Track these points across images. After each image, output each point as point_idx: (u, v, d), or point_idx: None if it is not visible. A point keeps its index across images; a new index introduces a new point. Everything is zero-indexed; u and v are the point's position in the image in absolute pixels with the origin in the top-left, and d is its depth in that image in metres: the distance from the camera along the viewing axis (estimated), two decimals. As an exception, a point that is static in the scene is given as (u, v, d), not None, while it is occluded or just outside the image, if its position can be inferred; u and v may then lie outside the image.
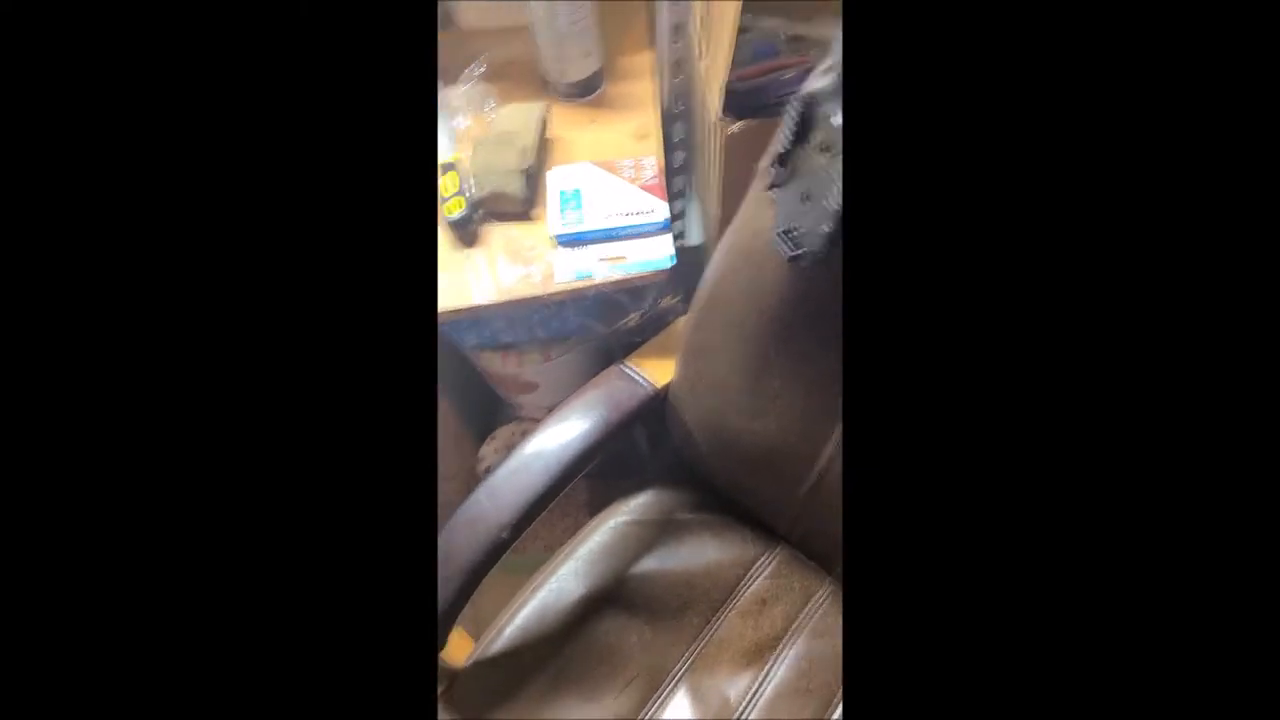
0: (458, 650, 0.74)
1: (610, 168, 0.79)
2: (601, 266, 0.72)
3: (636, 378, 0.72)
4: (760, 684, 0.73)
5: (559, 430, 0.67)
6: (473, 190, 0.77)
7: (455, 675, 0.73)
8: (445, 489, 1.21)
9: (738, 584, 0.79)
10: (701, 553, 0.80)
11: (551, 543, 0.85)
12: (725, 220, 0.77)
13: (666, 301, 0.74)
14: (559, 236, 0.74)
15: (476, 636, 0.77)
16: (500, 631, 0.75)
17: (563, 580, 0.79)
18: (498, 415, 1.25)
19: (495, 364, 1.02)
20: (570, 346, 1.10)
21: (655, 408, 0.73)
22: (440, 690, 0.73)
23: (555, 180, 0.78)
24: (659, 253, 0.72)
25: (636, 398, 0.71)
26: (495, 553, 0.63)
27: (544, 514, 1.18)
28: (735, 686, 0.73)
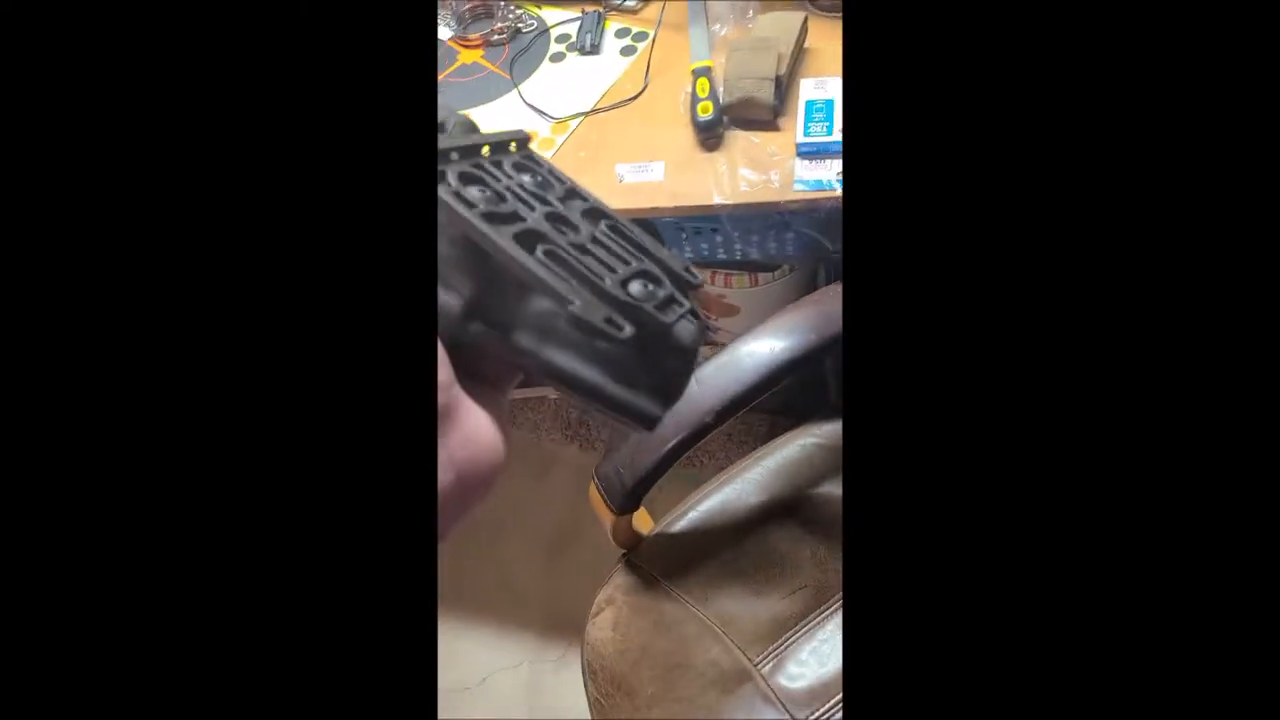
0: (642, 522, 0.81)
1: (865, 84, 0.76)
2: (840, 179, 0.71)
3: (859, 297, 0.71)
4: (931, 627, 0.72)
5: (773, 335, 0.69)
6: (723, 95, 0.78)
7: (640, 540, 0.80)
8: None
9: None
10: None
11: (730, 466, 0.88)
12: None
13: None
14: (802, 146, 0.74)
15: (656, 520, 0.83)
16: (683, 514, 0.81)
17: (746, 484, 0.82)
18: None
19: (705, 282, 1.05)
20: (779, 275, 1.10)
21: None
22: (623, 553, 0.81)
23: (807, 91, 0.78)
24: (905, 173, 0.69)
25: (855, 317, 0.70)
26: (697, 435, 0.67)
27: (727, 440, 1.22)
28: (903, 623, 0.73)
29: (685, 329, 0.25)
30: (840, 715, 0.68)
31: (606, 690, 0.74)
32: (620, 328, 0.23)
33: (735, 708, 0.70)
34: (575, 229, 0.26)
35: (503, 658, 1.18)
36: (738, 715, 0.69)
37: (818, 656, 0.72)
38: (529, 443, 1.39)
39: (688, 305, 0.26)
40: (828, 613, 0.74)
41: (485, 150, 0.26)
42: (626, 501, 0.70)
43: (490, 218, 0.23)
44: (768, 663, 0.72)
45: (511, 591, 1.23)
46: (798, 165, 0.73)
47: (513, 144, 0.28)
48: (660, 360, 0.25)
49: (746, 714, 0.69)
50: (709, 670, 0.72)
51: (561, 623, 1.17)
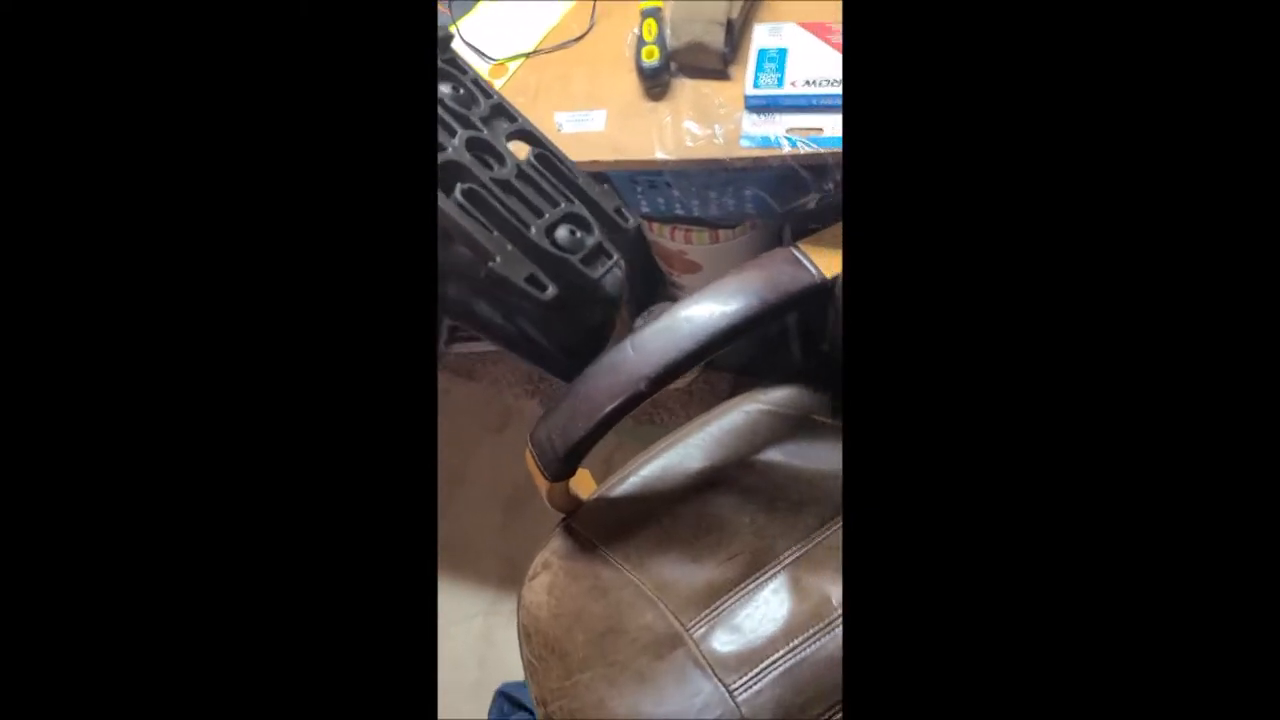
0: (582, 485, 0.80)
1: (820, 32, 0.71)
2: (790, 136, 0.67)
3: (805, 262, 0.68)
4: (864, 594, 0.72)
5: (714, 299, 0.67)
6: (670, 39, 0.73)
7: (580, 504, 0.79)
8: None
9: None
10: (831, 459, 0.78)
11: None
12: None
13: (854, 186, 0.68)
14: (751, 99, 0.70)
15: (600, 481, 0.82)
16: (624, 479, 0.80)
17: (689, 448, 0.81)
18: (659, 291, 1.26)
19: (665, 237, 1.02)
20: (741, 232, 1.06)
21: (817, 299, 0.70)
22: (563, 517, 0.80)
23: (760, 38, 0.73)
24: (857, 130, 0.65)
25: (799, 283, 0.68)
26: (631, 402, 0.65)
27: (689, 398, 1.20)
28: (839, 590, 0.73)
29: (612, 281, 0.23)
30: (769, 680, 0.69)
31: (540, 653, 0.74)
32: (543, 287, 0.21)
33: (666, 672, 0.70)
34: (500, 159, 0.23)
35: (457, 610, 1.19)
36: (668, 679, 0.70)
37: (751, 622, 0.72)
38: (489, 396, 1.37)
39: (615, 256, 0.23)
40: (763, 579, 0.74)
41: None
42: (560, 468, 0.69)
43: None
44: (700, 628, 0.72)
45: (467, 545, 1.23)
46: (745, 120, 0.69)
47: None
48: (585, 314, 0.22)
49: (677, 678, 0.70)
50: (642, 635, 0.72)
51: (517, 576, 1.18)
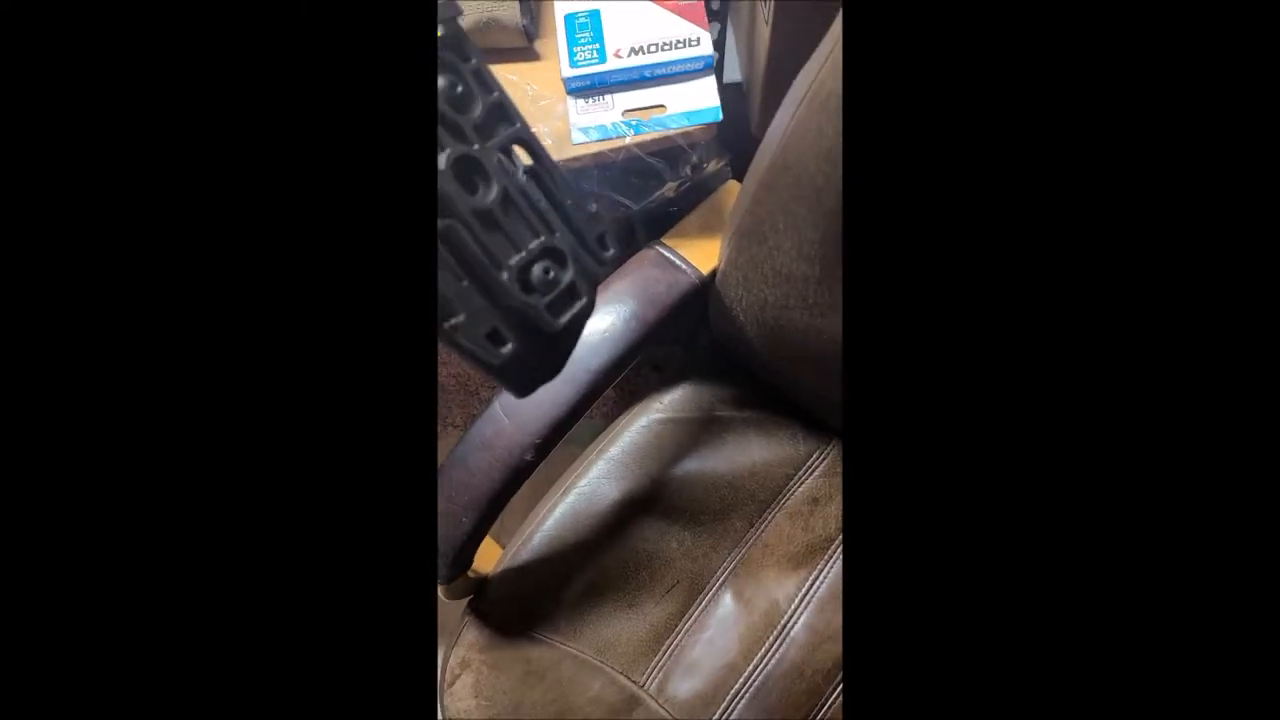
0: (484, 559, 0.69)
1: (633, -19, 0.60)
2: (629, 121, 0.56)
3: (677, 262, 0.59)
4: (811, 587, 0.68)
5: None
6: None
7: (484, 583, 0.69)
8: (446, 401, 1.10)
9: (787, 484, 0.72)
10: (746, 452, 0.72)
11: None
12: (781, 49, 0.59)
13: (712, 165, 0.59)
14: (571, 81, 0.57)
15: (504, 542, 0.72)
16: (529, 539, 0.70)
17: (594, 483, 0.72)
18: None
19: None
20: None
21: (699, 299, 0.61)
22: (468, 601, 0.69)
23: (563, 3, 0.60)
24: (702, 100, 0.56)
25: (678, 289, 0.59)
26: (518, 478, 0.55)
27: (620, 396, 1.10)
28: (784, 589, 0.69)
29: (576, 324, 0.24)
30: (739, 710, 0.64)
31: (486, 763, 0.64)
32: (503, 342, 0.22)
33: (630, 739, 0.63)
34: (487, 181, 0.22)
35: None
36: (634, 747, 0.63)
37: (707, 653, 0.66)
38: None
39: (585, 297, 0.24)
40: (705, 602, 0.68)
41: None
42: (450, 572, 0.58)
43: None
44: (655, 678, 0.66)
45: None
46: (572, 109, 0.57)
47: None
48: (543, 353, 0.23)
49: (643, 742, 0.63)
50: (594, 709, 0.65)
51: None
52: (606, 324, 0.56)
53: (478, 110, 0.23)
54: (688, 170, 0.56)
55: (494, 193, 0.22)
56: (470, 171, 0.22)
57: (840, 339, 0.57)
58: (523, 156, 0.24)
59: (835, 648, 0.66)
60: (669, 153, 0.57)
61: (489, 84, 0.23)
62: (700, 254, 0.60)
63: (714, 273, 0.60)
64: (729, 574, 0.69)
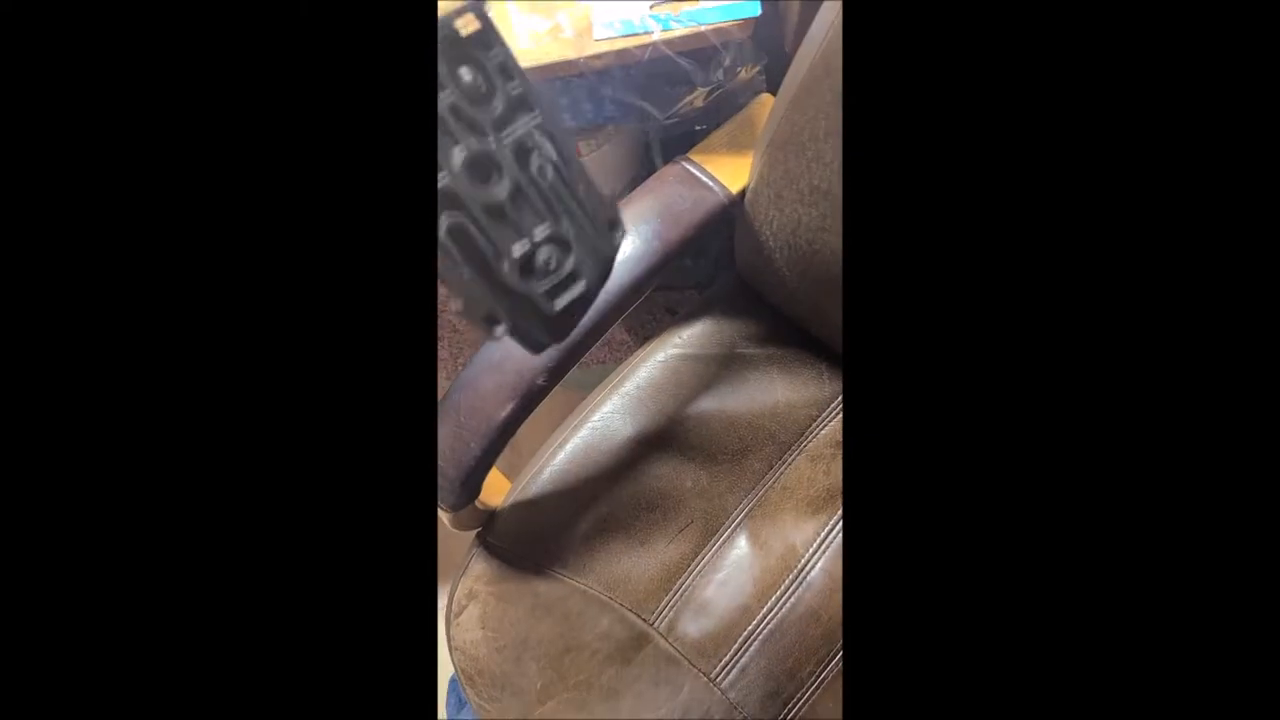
0: (493, 492, 0.67)
1: None
2: (657, 15, 0.51)
3: (704, 179, 0.55)
4: (831, 532, 0.65)
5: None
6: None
7: (493, 516, 0.67)
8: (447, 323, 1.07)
9: (809, 426, 0.68)
10: (768, 391, 0.69)
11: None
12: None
13: (745, 73, 0.54)
14: (596, -28, 0.52)
15: (512, 476, 0.70)
16: (539, 472, 0.68)
17: (608, 419, 0.69)
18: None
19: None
20: (609, 135, 0.90)
21: (727, 220, 0.57)
22: (475, 534, 0.67)
23: (588, -117, 0.54)
24: (738, -5, 0.50)
25: (704, 207, 0.54)
26: (528, 403, 0.52)
27: (633, 329, 1.05)
28: (802, 534, 0.66)
29: (576, 304, 0.25)
30: (751, 653, 0.62)
31: (490, 694, 0.63)
32: (498, 323, 0.24)
33: (639, 677, 0.62)
34: (500, 174, 0.23)
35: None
36: (643, 685, 0.62)
37: (719, 594, 0.64)
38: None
39: (583, 284, 0.25)
40: (720, 544, 0.66)
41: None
42: (460, 498, 0.55)
43: None
44: (665, 617, 0.64)
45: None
46: (594, 3, 0.52)
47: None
48: (542, 328, 0.25)
49: (653, 680, 0.62)
50: (603, 645, 0.63)
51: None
52: (626, 244, 0.53)
53: (498, 103, 0.23)
54: (719, 75, 0.51)
55: (505, 186, 0.23)
56: (483, 166, 0.23)
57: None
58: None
59: (853, 594, 0.64)
60: (700, 53, 0.52)
61: (512, 74, 0.23)
62: (729, 171, 0.55)
63: (743, 192, 0.56)
64: (745, 516, 0.67)
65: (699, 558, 0.66)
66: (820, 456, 0.68)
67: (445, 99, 0.22)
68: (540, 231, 0.24)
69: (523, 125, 0.24)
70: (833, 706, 0.61)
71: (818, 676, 0.62)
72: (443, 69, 0.22)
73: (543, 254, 0.25)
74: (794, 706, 0.61)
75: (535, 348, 0.25)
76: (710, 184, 0.55)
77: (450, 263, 0.23)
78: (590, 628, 0.63)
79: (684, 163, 0.55)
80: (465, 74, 0.22)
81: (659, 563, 0.65)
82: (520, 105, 0.24)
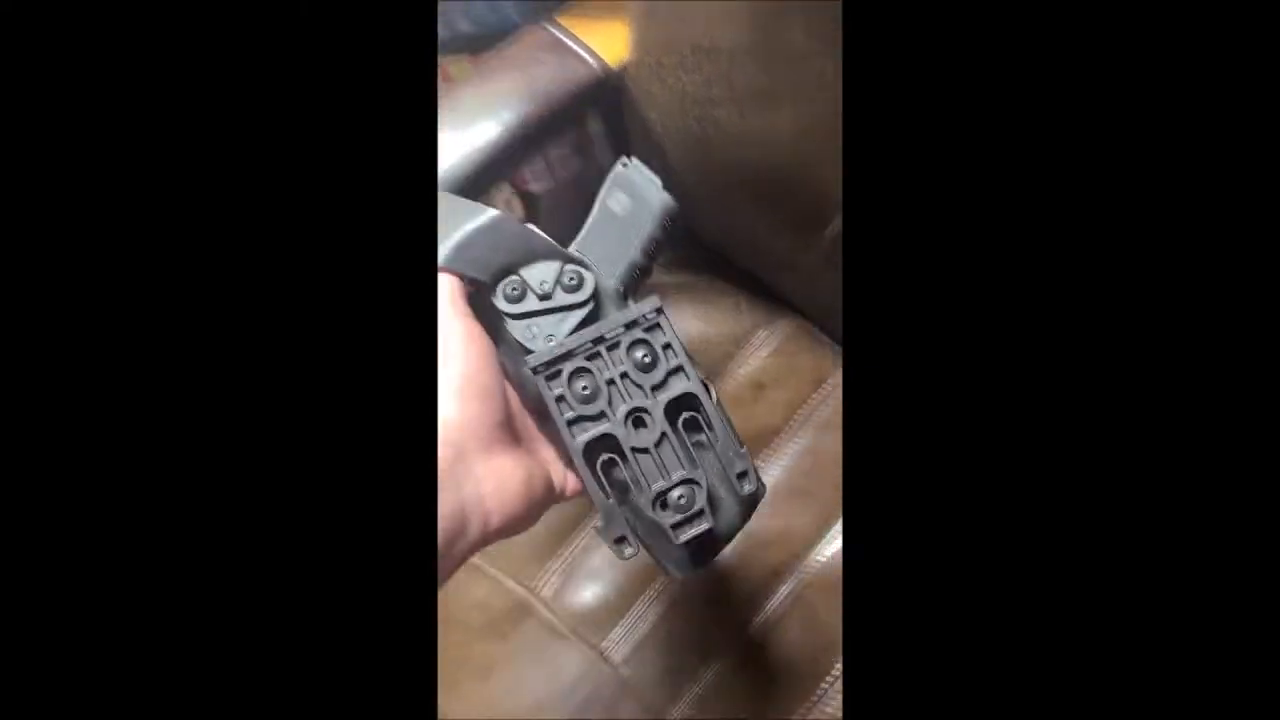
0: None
1: None
2: None
3: (572, 47, 0.45)
4: (746, 486, 0.57)
5: (448, 138, 0.43)
6: None
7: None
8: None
9: (726, 365, 0.59)
10: (677, 325, 0.60)
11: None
12: None
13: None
14: None
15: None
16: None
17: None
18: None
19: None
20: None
21: (606, 98, 0.47)
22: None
23: None
24: None
25: (574, 83, 0.45)
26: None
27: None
28: (714, 488, 0.57)
29: (698, 539, 0.31)
30: (648, 627, 0.53)
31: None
32: (628, 544, 0.31)
33: (517, 651, 0.53)
34: (651, 424, 0.32)
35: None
36: (522, 659, 0.52)
37: (612, 560, 0.55)
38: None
39: (706, 524, 0.31)
40: (620, 500, 0.57)
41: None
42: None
43: (574, 422, 0.32)
44: (549, 583, 0.55)
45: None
46: None
47: (644, 317, 0.33)
48: (665, 551, 0.32)
49: (533, 655, 0.53)
50: (476, 616, 0.54)
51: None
52: (480, 124, 0.43)
53: (659, 373, 0.32)
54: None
55: (654, 435, 0.32)
56: (637, 422, 0.32)
57: (788, 150, 0.43)
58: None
59: (779, 554, 0.55)
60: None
61: (676, 353, 0.33)
62: (603, 38, 0.45)
63: (625, 65, 0.46)
64: (651, 467, 0.58)
65: (592, 515, 0.56)
66: (739, 399, 0.59)
67: (618, 368, 0.32)
68: (678, 474, 0.31)
69: (676, 389, 0.32)
70: (742, 684, 0.52)
71: (727, 650, 0.53)
72: (622, 349, 0.32)
73: (678, 491, 0.31)
74: (697, 684, 0.52)
75: (662, 570, 0.33)
76: (582, 53, 0.45)
77: (598, 489, 0.30)
78: (464, 598, 0.54)
79: (546, 26, 0.45)
80: (639, 353, 0.32)
81: (543, 524, 0.56)
82: (676, 372, 0.32)
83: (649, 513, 0.31)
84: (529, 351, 0.32)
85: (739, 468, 0.33)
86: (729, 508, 0.33)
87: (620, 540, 0.31)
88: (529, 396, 0.33)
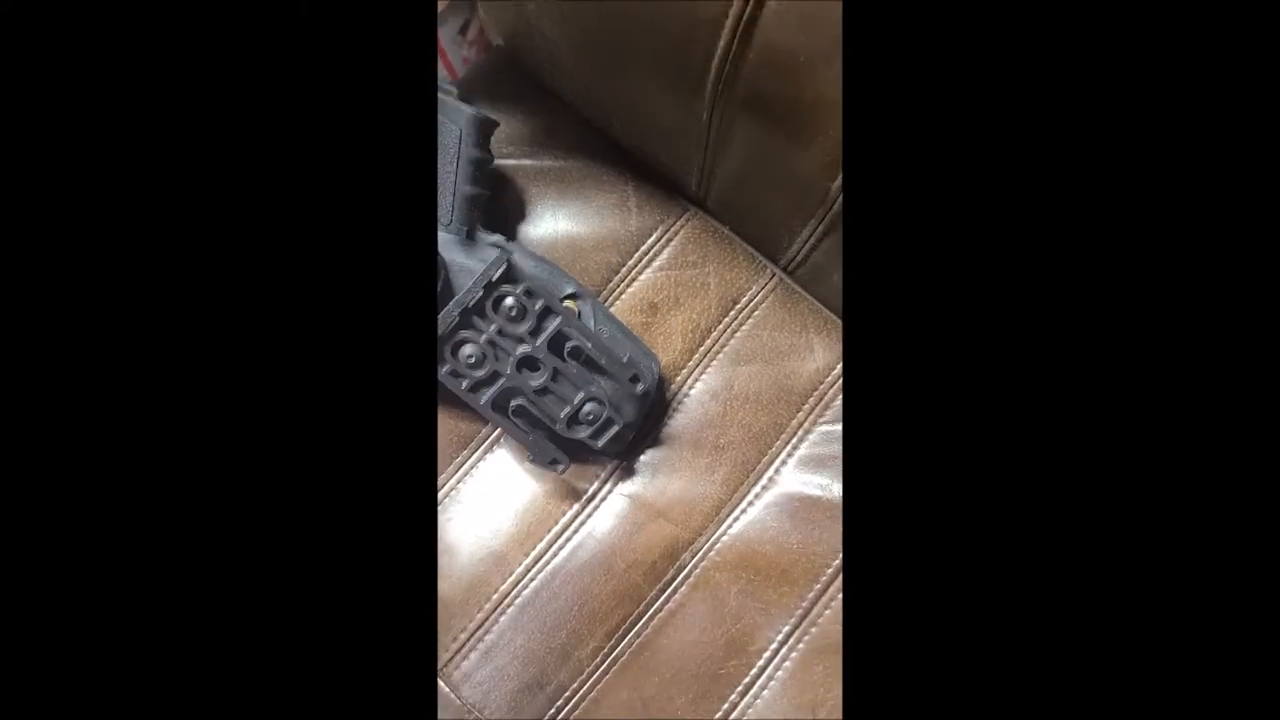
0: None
1: None
2: None
3: None
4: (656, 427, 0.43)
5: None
6: None
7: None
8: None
9: (609, 279, 0.44)
10: (545, 230, 0.44)
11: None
12: None
13: None
14: None
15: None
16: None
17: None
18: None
19: None
20: None
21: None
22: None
23: None
24: None
25: None
26: None
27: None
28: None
29: (614, 439, 0.38)
30: (502, 625, 0.40)
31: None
32: (559, 462, 0.38)
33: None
34: (542, 365, 0.37)
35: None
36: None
37: (464, 536, 0.41)
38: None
39: (616, 425, 0.38)
40: (467, 463, 0.42)
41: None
42: None
43: (473, 389, 0.37)
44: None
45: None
46: None
47: (496, 272, 0.36)
48: (590, 459, 0.40)
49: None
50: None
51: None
52: None
53: (530, 319, 0.36)
54: None
55: (546, 374, 0.37)
56: (529, 365, 0.37)
57: (687, 9, 0.28)
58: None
59: (674, 528, 0.41)
60: None
61: (537, 295, 0.36)
62: None
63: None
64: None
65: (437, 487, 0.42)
66: (631, 326, 0.44)
67: (493, 326, 0.36)
68: (578, 397, 0.37)
69: (549, 324, 0.37)
70: (627, 698, 0.40)
71: (605, 656, 0.40)
72: (488, 305, 0.36)
73: (585, 409, 0.37)
74: (567, 703, 0.40)
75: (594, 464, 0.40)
76: None
77: (519, 431, 0.37)
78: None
79: None
80: (504, 302, 0.36)
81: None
82: (546, 314, 0.37)
83: (566, 434, 0.37)
84: None
85: (627, 374, 0.38)
86: (628, 405, 0.38)
87: (553, 462, 0.38)
88: None
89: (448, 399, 0.38)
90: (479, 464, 0.42)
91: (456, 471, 0.42)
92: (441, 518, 0.42)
